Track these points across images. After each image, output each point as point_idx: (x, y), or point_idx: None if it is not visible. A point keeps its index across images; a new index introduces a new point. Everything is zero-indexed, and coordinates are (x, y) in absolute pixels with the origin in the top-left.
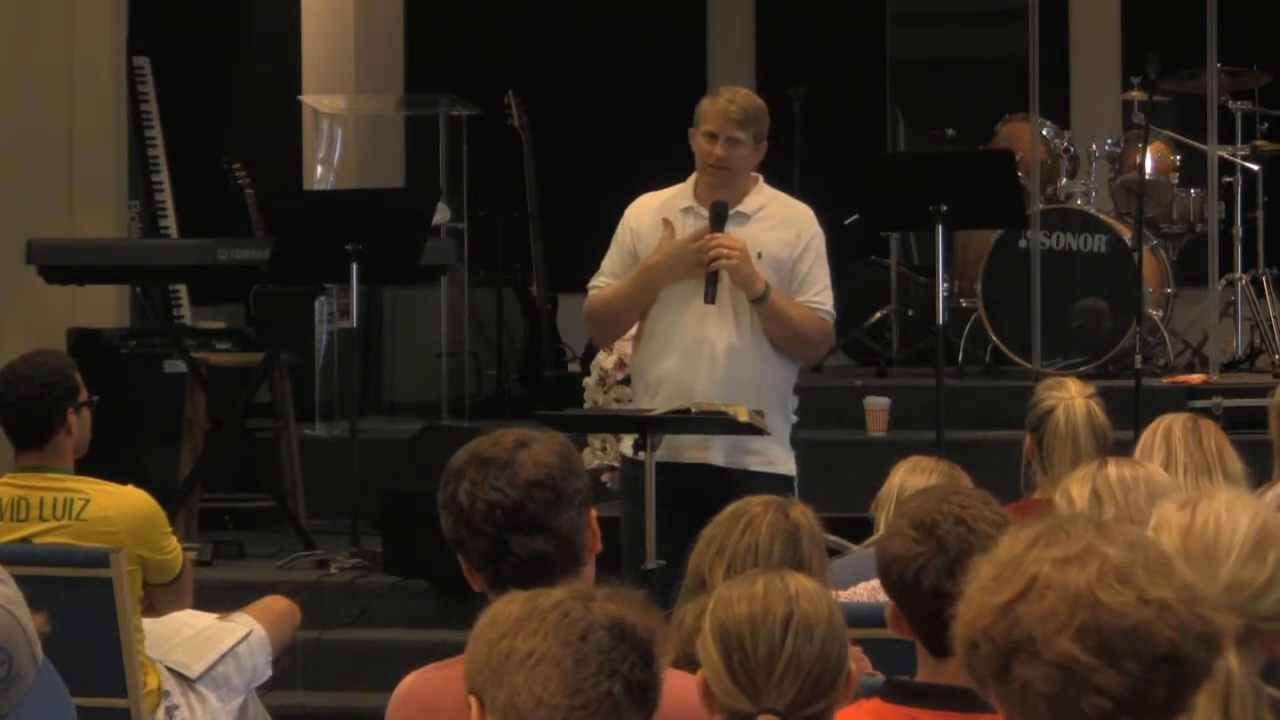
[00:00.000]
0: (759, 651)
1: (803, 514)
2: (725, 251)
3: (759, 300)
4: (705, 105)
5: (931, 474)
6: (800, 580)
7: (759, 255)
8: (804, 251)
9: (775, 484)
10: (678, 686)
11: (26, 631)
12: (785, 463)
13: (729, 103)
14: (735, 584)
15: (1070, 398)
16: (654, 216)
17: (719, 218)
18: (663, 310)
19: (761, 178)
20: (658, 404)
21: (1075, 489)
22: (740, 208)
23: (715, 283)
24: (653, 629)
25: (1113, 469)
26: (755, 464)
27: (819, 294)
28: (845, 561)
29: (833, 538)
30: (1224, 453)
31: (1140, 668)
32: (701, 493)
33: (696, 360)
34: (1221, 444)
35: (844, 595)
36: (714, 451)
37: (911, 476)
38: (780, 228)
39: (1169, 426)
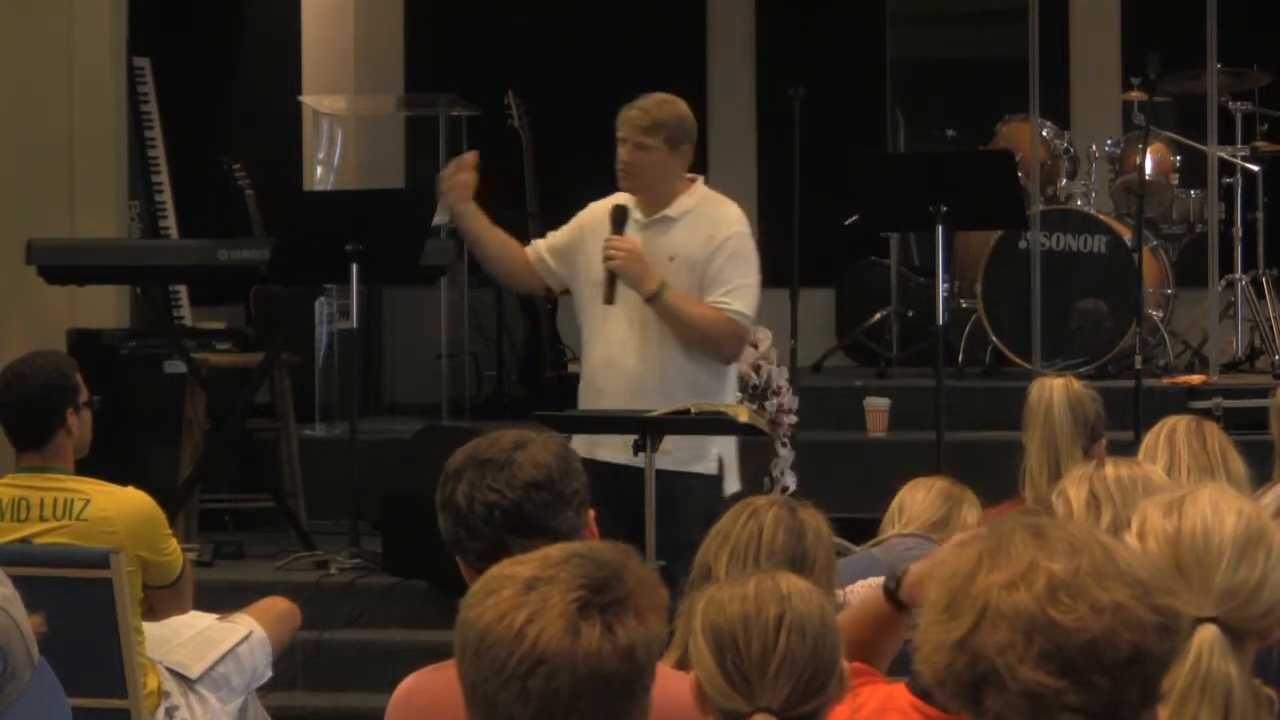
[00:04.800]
0: (752, 651)
1: (811, 515)
2: (612, 252)
3: (651, 300)
4: (620, 113)
5: (931, 489)
6: (792, 580)
7: (671, 258)
8: (715, 251)
9: (690, 483)
10: (676, 687)
11: (22, 630)
12: (702, 462)
13: (638, 110)
14: (726, 584)
15: (1049, 379)
16: (603, 213)
17: (617, 221)
18: (589, 315)
19: (700, 179)
20: (583, 405)
21: (1072, 491)
22: (667, 211)
23: (614, 284)
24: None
25: (1110, 469)
26: (665, 464)
27: (727, 294)
28: (845, 562)
29: (835, 538)
30: (1227, 455)
31: (1107, 679)
32: (617, 492)
33: (612, 363)
34: (1225, 446)
35: (841, 594)
36: (625, 451)
37: (912, 492)
38: (698, 229)
39: (1173, 428)
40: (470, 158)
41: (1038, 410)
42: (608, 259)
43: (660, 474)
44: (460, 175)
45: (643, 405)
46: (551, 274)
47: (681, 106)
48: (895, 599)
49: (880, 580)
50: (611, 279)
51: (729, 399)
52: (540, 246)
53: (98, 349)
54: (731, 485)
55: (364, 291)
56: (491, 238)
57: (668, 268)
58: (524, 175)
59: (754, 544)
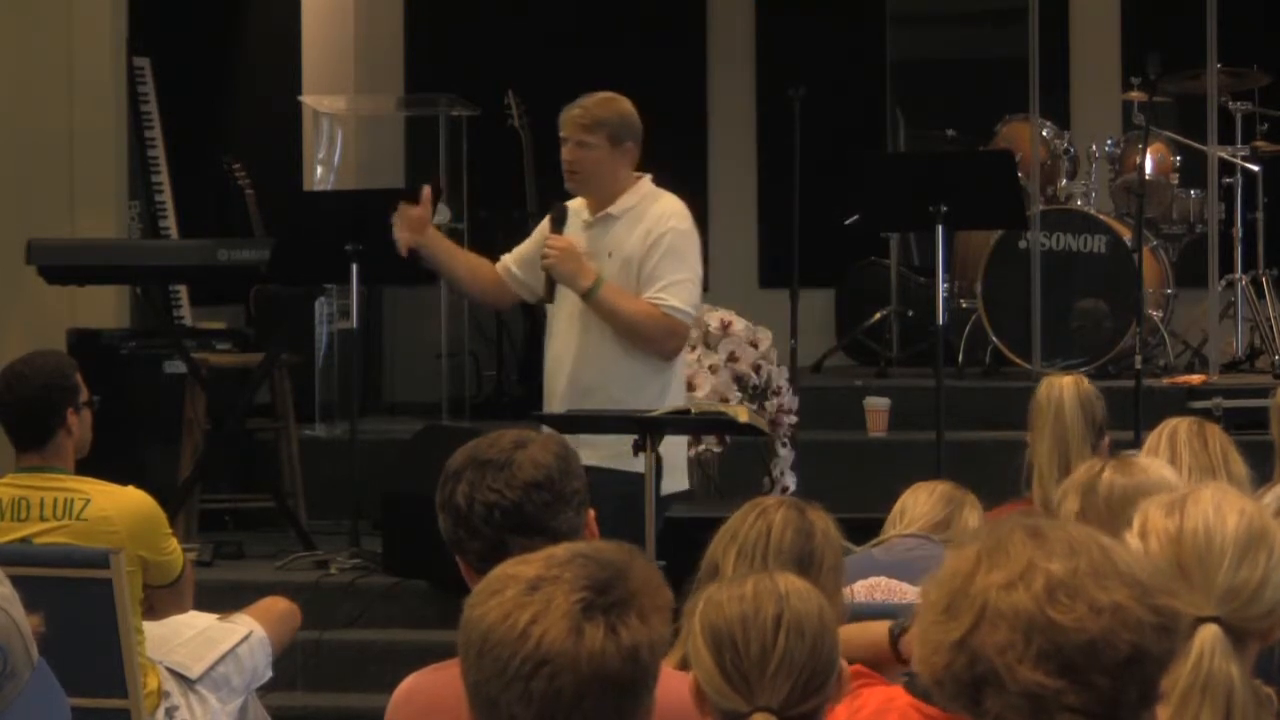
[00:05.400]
0: (751, 651)
1: (819, 516)
2: (547, 251)
3: (585, 296)
4: (563, 112)
5: (933, 493)
6: (790, 579)
7: (609, 255)
8: (651, 248)
9: (615, 480)
10: (677, 687)
11: (22, 630)
12: (636, 460)
13: (580, 109)
14: (724, 585)
15: (1058, 378)
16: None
17: (556, 220)
18: (547, 316)
19: (647, 177)
20: (545, 403)
21: (1069, 502)
22: (610, 209)
23: (553, 283)
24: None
25: (1108, 476)
26: (593, 459)
27: (662, 290)
28: (846, 561)
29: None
30: (1229, 456)
31: (1107, 679)
32: None
33: (559, 360)
34: (1226, 447)
35: (847, 593)
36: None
37: (914, 495)
38: (636, 226)
39: (1174, 429)
40: (426, 191)
41: (1047, 410)
42: (543, 258)
43: (587, 469)
44: (409, 213)
45: (585, 403)
46: (521, 285)
47: (624, 105)
48: (896, 646)
49: (882, 580)
50: (551, 279)
51: (673, 397)
52: (507, 260)
53: (98, 349)
54: (675, 484)
55: (364, 291)
56: (458, 262)
57: (607, 265)
58: (524, 175)
59: (762, 543)
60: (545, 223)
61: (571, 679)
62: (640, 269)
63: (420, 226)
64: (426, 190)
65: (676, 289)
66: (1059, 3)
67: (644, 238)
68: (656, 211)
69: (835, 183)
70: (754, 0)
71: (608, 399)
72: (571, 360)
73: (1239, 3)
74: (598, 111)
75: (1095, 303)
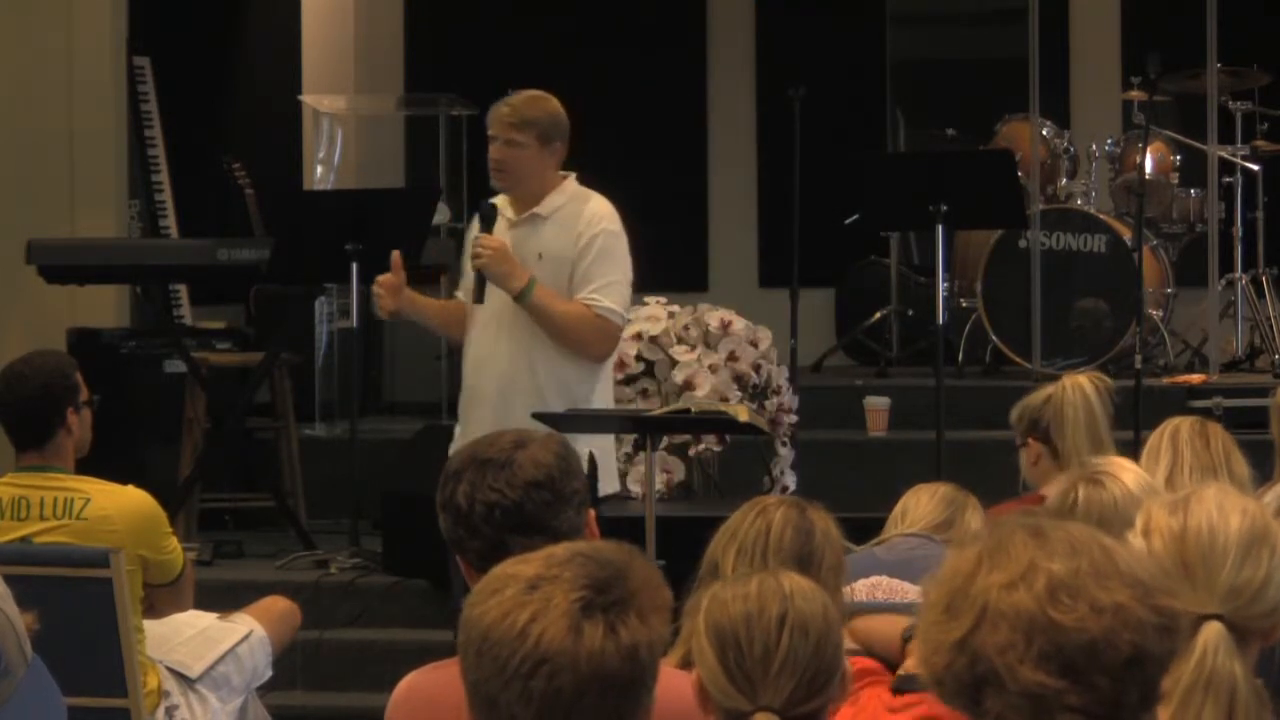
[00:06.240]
0: (755, 650)
1: (820, 515)
2: (479, 250)
3: (519, 298)
4: (491, 110)
5: (935, 495)
6: (795, 578)
7: (539, 256)
8: (584, 249)
9: None
10: (678, 686)
11: (16, 627)
12: None
13: (508, 107)
14: (729, 583)
15: (1076, 377)
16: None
17: (486, 219)
18: (469, 318)
19: (572, 176)
20: (461, 407)
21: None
22: (538, 209)
23: (483, 284)
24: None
25: (1088, 492)
26: None
27: (595, 291)
28: (848, 560)
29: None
30: (1230, 456)
31: (1108, 679)
32: None
33: (484, 363)
34: (1229, 447)
35: (847, 592)
36: None
37: (915, 497)
38: (566, 227)
39: (1176, 428)
40: (396, 256)
41: (1079, 408)
42: (475, 258)
43: None
44: (387, 281)
45: (514, 405)
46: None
47: (553, 104)
48: (904, 649)
49: (883, 579)
50: (481, 279)
51: (601, 399)
52: (460, 290)
53: (98, 349)
54: (605, 487)
55: (364, 291)
56: (431, 312)
57: (536, 266)
58: None
59: (761, 542)
60: (475, 223)
61: (571, 678)
62: (573, 270)
63: (398, 292)
64: (396, 255)
65: (609, 290)
66: (1059, 3)
67: (576, 240)
68: (589, 213)
69: (835, 183)
70: (754, 0)
71: (539, 402)
72: (502, 364)
73: (1239, 3)
74: (526, 111)
75: (1095, 302)
